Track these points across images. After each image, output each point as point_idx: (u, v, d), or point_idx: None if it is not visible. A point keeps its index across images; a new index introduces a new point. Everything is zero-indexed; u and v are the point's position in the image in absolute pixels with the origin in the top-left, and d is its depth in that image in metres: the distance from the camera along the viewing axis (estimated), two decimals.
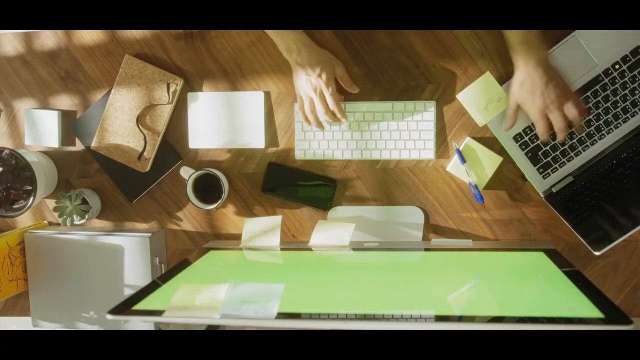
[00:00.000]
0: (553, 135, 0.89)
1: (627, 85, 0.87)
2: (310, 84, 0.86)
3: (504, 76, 0.91)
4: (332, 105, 0.86)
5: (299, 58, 0.86)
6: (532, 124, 0.89)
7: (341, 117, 0.88)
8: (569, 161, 0.90)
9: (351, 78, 0.91)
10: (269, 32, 0.89)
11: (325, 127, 0.92)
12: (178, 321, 0.64)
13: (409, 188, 0.95)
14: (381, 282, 0.76)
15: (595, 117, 0.89)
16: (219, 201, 0.94)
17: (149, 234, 0.95)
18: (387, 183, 0.95)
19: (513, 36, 0.82)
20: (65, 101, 1.00)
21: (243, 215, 0.98)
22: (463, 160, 0.91)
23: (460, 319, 0.62)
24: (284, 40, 0.87)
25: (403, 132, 0.93)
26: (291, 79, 0.94)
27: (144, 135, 0.97)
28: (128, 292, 0.96)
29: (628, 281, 0.93)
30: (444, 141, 0.93)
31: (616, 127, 0.88)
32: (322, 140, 0.94)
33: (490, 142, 0.92)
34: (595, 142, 0.89)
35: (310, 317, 0.64)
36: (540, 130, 0.85)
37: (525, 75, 0.83)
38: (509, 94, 0.87)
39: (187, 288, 0.73)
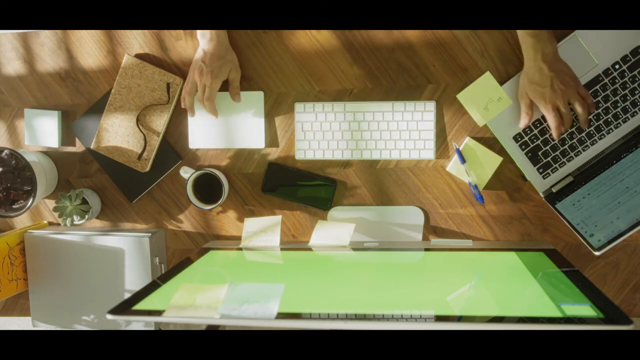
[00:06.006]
0: (552, 136, 0.89)
1: (627, 85, 0.87)
2: (202, 72, 0.89)
3: (504, 76, 0.91)
4: (206, 98, 0.91)
5: (207, 46, 0.89)
6: (532, 124, 0.89)
7: (210, 111, 0.92)
8: (569, 161, 0.90)
9: (240, 86, 0.94)
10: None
11: (194, 114, 0.94)
12: (178, 321, 0.64)
13: (409, 188, 0.95)
14: (381, 282, 0.76)
15: (595, 117, 0.89)
16: (219, 201, 0.94)
17: (149, 234, 0.95)
18: (387, 183, 0.95)
19: (522, 30, 0.82)
20: (65, 101, 1.00)
21: (243, 215, 0.98)
22: (463, 160, 0.91)
23: (460, 319, 0.62)
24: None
25: (403, 132, 0.93)
26: (291, 79, 0.94)
27: (144, 135, 0.97)
28: (128, 292, 0.96)
29: (628, 281, 0.93)
30: (444, 141, 0.93)
31: (616, 127, 0.88)
32: (322, 140, 0.94)
33: (490, 142, 0.92)
34: (595, 142, 0.89)
35: (310, 317, 0.64)
36: (552, 124, 0.85)
37: (535, 69, 0.83)
38: (519, 89, 0.87)
39: (187, 288, 0.73)
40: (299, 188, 0.96)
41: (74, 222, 0.96)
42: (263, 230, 0.95)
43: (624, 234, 0.88)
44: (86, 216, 0.96)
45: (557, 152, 0.90)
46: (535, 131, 0.90)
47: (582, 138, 0.89)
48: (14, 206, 0.96)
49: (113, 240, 0.96)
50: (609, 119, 0.88)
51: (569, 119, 0.85)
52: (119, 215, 1.01)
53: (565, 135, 0.89)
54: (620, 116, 0.88)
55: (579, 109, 0.85)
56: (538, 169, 0.91)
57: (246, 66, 0.95)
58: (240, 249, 0.93)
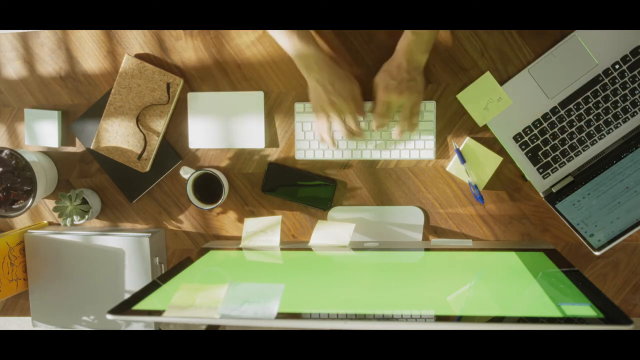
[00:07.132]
0: (553, 135, 0.89)
1: (627, 85, 0.87)
2: (330, 102, 0.84)
3: (504, 76, 0.91)
4: (353, 125, 0.86)
5: (319, 75, 0.83)
6: (532, 124, 0.89)
7: (359, 135, 0.88)
8: (569, 161, 0.90)
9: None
10: (289, 52, 0.85)
11: (339, 146, 0.92)
12: (178, 321, 0.64)
13: (409, 188, 0.95)
14: (381, 282, 0.76)
15: (595, 117, 0.89)
16: (219, 201, 0.94)
17: (149, 234, 0.95)
18: (387, 183, 0.95)
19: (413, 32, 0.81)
20: (65, 101, 1.00)
21: (243, 215, 0.98)
22: (463, 160, 0.91)
23: (460, 319, 0.62)
24: (303, 60, 0.84)
25: (403, 132, 0.92)
26: (291, 79, 0.94)
27: (144, 135, 0.97)
28: (128, 292, 0.96)
29: (628, 281, 0.93)
30: (444, 141, 0.93)
31: (616, 127, 0.88)
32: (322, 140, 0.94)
33: (490, 142, 0.92)
34: (595, 142, 0.89)
35: (310, 317, 0.64)
36: (377, 114, 0.85)
37: (398, 61, 0.82)
38: (376, 77, 0.85)
39: (187, 288, 0.73)
40: (299, 188, 0.96)
41: (74, 222, 0.96)
42: (263, 230, 0.95)
43: (624, 234, 0.88)
44: (86, 216, 0.96)
45: (557, 152, 0.90)
46: (535, 131, 0.90)
47: (582, 138, 0.89)
48: (14, 206, 0.96)
49: (113, 240, 0.96)
50: (609, 119, 0.88)
51: (388, 117, 0.85)
52: (119, 215, 1.01)
53: (565, 135, 0.89)
54: (620, 116, 0.88)
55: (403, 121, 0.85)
56: (538, 169, 0.91)
57: (246, 66, 0.95)
58: (240, 249, 0.93)
